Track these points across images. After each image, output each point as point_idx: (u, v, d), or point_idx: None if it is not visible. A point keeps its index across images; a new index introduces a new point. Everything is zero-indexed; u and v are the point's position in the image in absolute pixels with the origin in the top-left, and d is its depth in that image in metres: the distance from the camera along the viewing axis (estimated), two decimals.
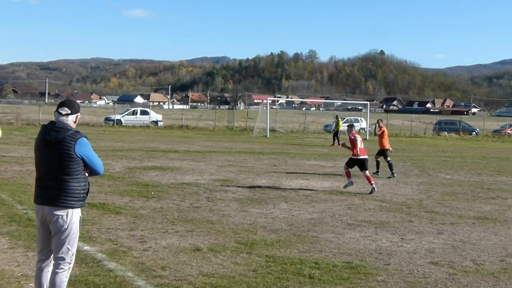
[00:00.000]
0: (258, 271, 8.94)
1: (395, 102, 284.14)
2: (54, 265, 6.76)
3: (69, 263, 6.79)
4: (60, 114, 6.72)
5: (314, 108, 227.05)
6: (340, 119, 46.97)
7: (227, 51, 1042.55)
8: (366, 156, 18.67)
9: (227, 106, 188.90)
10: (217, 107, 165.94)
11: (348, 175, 18.73)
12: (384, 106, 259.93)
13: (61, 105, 6.82)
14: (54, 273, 6.72)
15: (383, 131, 24.23)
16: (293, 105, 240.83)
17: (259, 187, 18.68)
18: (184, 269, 8.94)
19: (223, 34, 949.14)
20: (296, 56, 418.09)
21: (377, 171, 23.40)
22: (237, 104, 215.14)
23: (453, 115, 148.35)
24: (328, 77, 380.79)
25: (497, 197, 18.23)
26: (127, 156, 27.22)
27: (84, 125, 57.95)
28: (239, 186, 18.63)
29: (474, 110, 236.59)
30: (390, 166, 23.10)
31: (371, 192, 17.89)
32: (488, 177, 23.98)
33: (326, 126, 67.99)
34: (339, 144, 39.50)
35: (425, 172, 25.03)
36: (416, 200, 17.12)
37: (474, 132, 68.46)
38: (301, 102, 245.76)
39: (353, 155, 18.59)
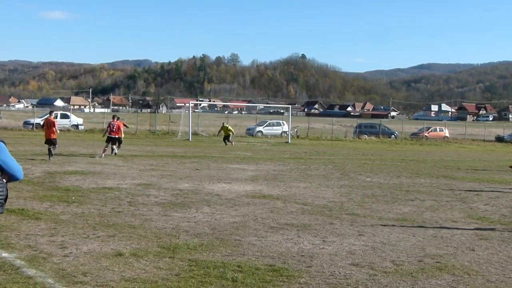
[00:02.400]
0: (181, 275, 8.91)
1: (316, 106, 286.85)
2: None
3: None
4: None
5: (237, 112, 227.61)
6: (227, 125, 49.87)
7: (149, 54, 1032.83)
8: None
9: (149, 110, 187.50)
10: (139, 111, 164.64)
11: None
12: (305, 110, 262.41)
13: None
14: None
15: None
16: (216, 108, 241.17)
17: (181, 191, 18.63)
18: (106, 274, 8.84)
19: (144, 37, 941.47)
20: (218, 60, 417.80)
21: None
22: (159, 108, 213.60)
23: (373, 118, 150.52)
24: (250, 80, 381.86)
25: (415, 199, 18.61)
26: (46, 161, 26.75)
27: (2, 129, 56.74)
28: (161, 190, 18.54)
29: (393, 113, 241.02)
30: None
31: None
32: (406, 179, 24.48)
33: (248, 129, 68.31)
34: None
35: (346, 175, 25.38)
36: (337, 202, 17.34)
37: (393, 135, 69.90)
38: (224, 106, 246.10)
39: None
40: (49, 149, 28.36)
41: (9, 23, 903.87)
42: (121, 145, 33.72)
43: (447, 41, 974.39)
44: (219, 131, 50.12)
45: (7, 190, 6.68)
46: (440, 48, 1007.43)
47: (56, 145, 29.21)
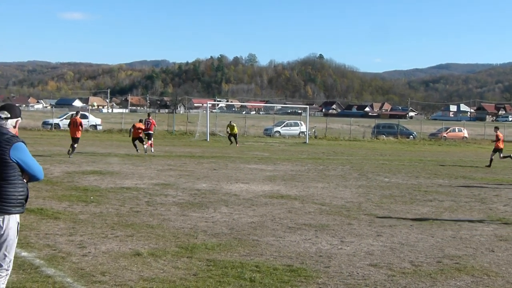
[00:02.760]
0: (199, 275, 8.92)
1: (334, 106, 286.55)
2: None
3: (7, 270, 6.67)
4: (0, 118, 6.62)
5: (254, 112, 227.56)
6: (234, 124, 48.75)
7: (167, 54, 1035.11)
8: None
9: (166, 110, 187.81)
10: (156, 111, 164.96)
11: None
12: (323, 110, 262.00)
13: (0, 108, 6.72)
14: None
15: None
16: (233, 108, 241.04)
17: (199, 191, 18.64)
18: (124, 274, 8.86)
19: (162, 37, 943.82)
20: (236, 60, 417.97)
21: None
22: (177, 108, 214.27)
23: (391, 118, 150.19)
24: (267, 81, 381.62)
25: (433, 200, 18.53)
26: (65, 161, 26.88)
27: (21, 129, 56.95)
28: (179, 190, 18.56)
29: (411, 114, 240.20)
30: None
31: None
32: (425, 180, 24.36)
33: (266, 129, 68.27)
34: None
35: (364, 175, 25.31)
36: (355, 203, 17.30)
37: (411, 136, 69.57)
38: (241, 106, 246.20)
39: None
40: (72, 145, 29.58)
41: (28, 24, 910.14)
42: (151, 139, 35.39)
43: (466, 41, 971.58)
44: (227, 129, 49.21)
45: (27, 190, 6.75)
46: (459, 48, 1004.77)
47: (76, 145, 29.77)
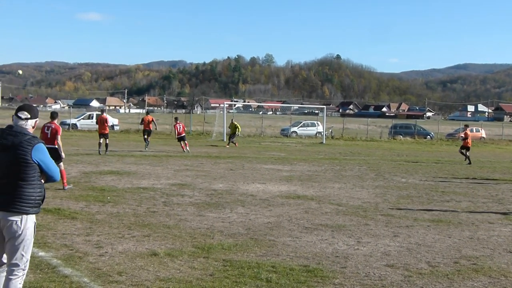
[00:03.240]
0: (216, 275, 8.93)
1: (351, 106, 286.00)
2: (7, 272, 6.66)
3: (23, 270, 6.71)
4: (20, 118, 6.69)
5: (271, 112, 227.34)
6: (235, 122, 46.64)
7: (184, 55, 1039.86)
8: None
9: (184, 110, 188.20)
10: (173, 111, 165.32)
11: None
12: (340, 110, 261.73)
13: (20, 109, 6.79)
14: (8, 280, 6.63)
15: None
16: (250, 109, 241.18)
17: (216, 191, 18.66)
18: (141, 274, 8.89)
19: (180, 38, 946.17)
20: (253, 60, 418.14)
21: None
22: (194, 108, 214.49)
23: (408, 119, 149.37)
24: (285, 81, 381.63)
25: (451, 200, 18.45)
26: (82, 161, 26.99)
27: (38, 129, 57.23)
28: (196, 191, 18.59)
29: (428, 114, 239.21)
30: None
31: None
32: (442, 180, 24.26)
33: (283, 130, 68.19)
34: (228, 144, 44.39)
35: (381, 176, 25.25)
36: (372, 203, 17.26)
37: (428, 136, 69.26)
38: (258, 106, 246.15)
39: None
40: (99, 144, 32.03)
41: (45, 25, 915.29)
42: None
43: (484, 40, 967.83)
44: (230, 127, 46.82)
45: (44, 190, 6.83)
46: (477, 48, 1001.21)
47: (107, 141, 32.57)
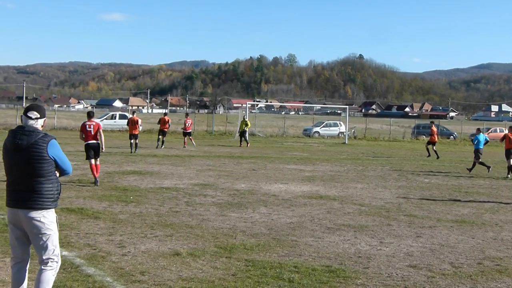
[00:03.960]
0: (238, 275, 8.94)
1: (373, 106, 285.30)
2: (42, 265, 6.84)
3: (57, 262, 6.93)
4: (30, 118, 6.85)
5: (294, 112, 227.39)
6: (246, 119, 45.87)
7: (206, 55, 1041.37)
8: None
9: (206, 110, 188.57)
10: (196, 111, 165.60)
11: None
12: (363, 110, 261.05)
13: (29, 109, 6.95)
14: (42, 271, 6.82)
15: None
16: (273, 109, 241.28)
17: (238, 191, 18.68)
18: (163, 273, 8.92)
19: (202, 38, 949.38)
20: (275, 60, 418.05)
21: None
22: (217, 108, 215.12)
23: (431, 119, 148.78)
24: (307, 81, 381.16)
25: (474, 201, 18.34)
26: (105, 161, 27.07)
27: (62, 129, 57.72)
28: (218, 191, 18.62)
29: (452, 114, 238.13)
30: None
31: None
32: (465, 181, 24.14)
33: (305, 130, 68.07)
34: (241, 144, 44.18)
35: (404, 176, 25.14)
36: (395, 203, 17.19)
37: (452, 136, 68.91)
38: (281, 106, 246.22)
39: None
40: (131, 144, 33.41)
41: (69, 25, 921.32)
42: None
43: (508, 40, 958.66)
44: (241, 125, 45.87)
45: (60, 185, 7.03)
46: (501, 47, 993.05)
47: (137, 141, 34.06)
